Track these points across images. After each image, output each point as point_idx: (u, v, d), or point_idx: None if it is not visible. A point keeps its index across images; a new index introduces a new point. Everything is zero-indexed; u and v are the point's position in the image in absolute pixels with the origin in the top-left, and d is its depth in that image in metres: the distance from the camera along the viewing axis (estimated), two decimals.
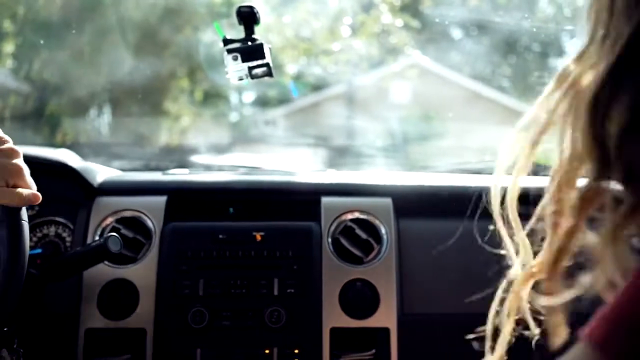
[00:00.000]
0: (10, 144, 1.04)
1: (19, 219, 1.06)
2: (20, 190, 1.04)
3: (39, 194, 1.07)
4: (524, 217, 0.87)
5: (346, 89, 10.20)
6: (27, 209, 1.41)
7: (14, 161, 1.03)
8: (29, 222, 1.15)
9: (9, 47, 11.74)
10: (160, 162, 2.01)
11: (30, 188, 1.06)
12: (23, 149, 1.37)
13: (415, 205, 1.67)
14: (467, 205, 1.70)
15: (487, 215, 1.58)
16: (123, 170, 1.82)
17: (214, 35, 1.46)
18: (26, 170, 1.05)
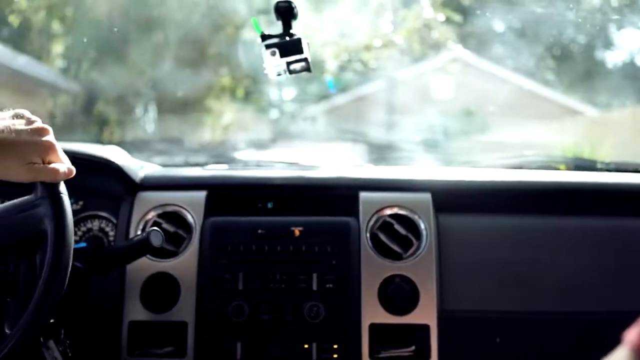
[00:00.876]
0: (39, 123, 1.06)
1: (59, 193, 1.07)
2: (55, 165, 1.06)
3: (73, 167, 1.09)
4: None
5: (387, 84, 10.14)
6: (72, 203, 1.44)
7: (46, 138, 1.04)
8: (74, 217, 1.17)
9: (59, 48, 12.01)
10: (200, 158, 2.03)
11: (63, 163, 1.07)
12: (70, 146, 1.40)
13: (455, 200, 1.65)
14: (508, 200, 1.68)
15: (530, 211, 1.56)
16: (164, 166, 1.84)
17: (255, 32, 1.47)
18: (58, 146, 1.06)
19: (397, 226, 1.59)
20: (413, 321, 1.52)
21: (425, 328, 1.52)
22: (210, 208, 1.62)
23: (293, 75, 1.47)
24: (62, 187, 1.07)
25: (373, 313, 1.52)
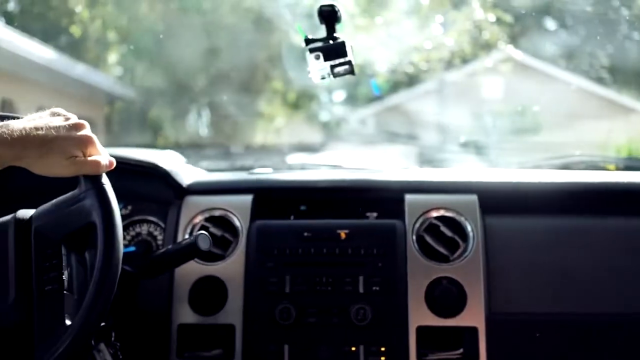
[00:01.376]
0: (75, 119, 1.07)
1: (103, 184, 1.08)
2: (96, 157, 1.07)
3: (113, 159, 1.10)
4: None
5: (437, 85, 10.04)
6: (121, 208, 1.46)
7: (84, 132, 1.06)
8: (123, 221, 1.19)
9: (115, 56, 12.30)
10: (250, 162, 2.04)
11: (103, 155, 1.09)
12: (119, 151, 1.42)
13: (501, 202, 1.62)
14: (555, 201, 1.63)
15: (578, 212, 1.51)
16: (210, 170, 1.85)
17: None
18: (96, 140, 1.08)
19: (443, 228, 1.56)
20: (461, 324, 1.50)
21: (474, 331, 1.49)
22: (257, 211, 1.62)
23: (343, 77, 1.47)
24: (105, 179, 1.09)
25: (420, 315, 1.50)
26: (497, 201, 1.61)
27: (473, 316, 1.50)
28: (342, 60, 1.45)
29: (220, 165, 2.01)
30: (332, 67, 1.45)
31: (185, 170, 1.72)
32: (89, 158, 1.06)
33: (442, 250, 1.55)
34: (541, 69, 10.67)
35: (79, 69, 11.39)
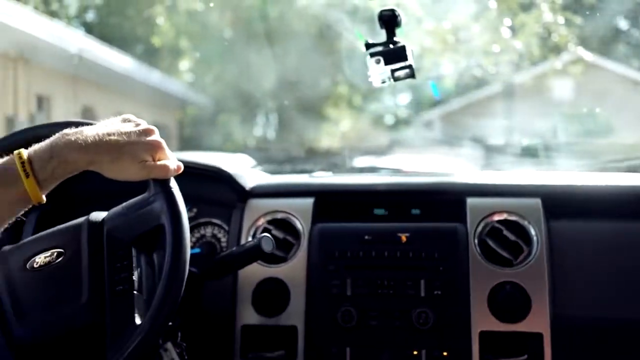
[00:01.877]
0: (145, 124, 1.10)
1: (171, 188, 1.11)
2: (165, 162, 1.09)
3: (181, 164, 1.13)
4: None
5: (504, 88, 9.85)
6: (187, 211, 1.48)
7: (153, 137, 1.08)
8: (189, 223, 1.20)
9: (186, 64, 12.60)
10: (314, 165, 2.04)
11: (171, 159, 1.11)
12: (186, 156, 1.44)
13: (566, 205, 1.57)
14: (622, 205, 1.57)
15: None
16: (273, 173, 1.86)
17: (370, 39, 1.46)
18: (164, 144, 1.10)
19: (506, 232, 1.52)
20: (525, 329, 1.46)
21: (538, 337, 1.45)
22: (318, 214, 1.62)
23: (409, 81, 1.45)
24: (173, 182, 1.11)
25: (483, 320, 1.47)
26: (562, 205, 1.56)
27: (538, 322, 1.45)
28: (402, 64, 1.44)
29: (285, 168, 2.01)
30: (393, 71, 1.44)
31: (248, 174, 1.73)
32: (158, 162, 1.08)
33: (505, 254, 1.51)
34: (612, 70, 10.33)
35: (153, 77, 11.71)
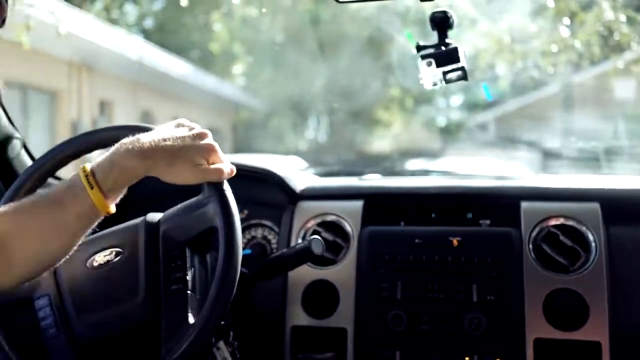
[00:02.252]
0: (199, 128, 1.11)
1: (224, 191, 1.12)
2: (219, 165, 1.10)
3: (234, 167, 1.14)
4: None
5: (563, 88, 9.61)
6: (239, 213, 1.49)
7: (207, 141, 1.10)
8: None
9: (240, 68, 12.75)
10: (366, 168, 2.02)
11: (225, 162, 1.12)
12: (237, 158, 1.45)
13: (626, 210, 1.50)
14: None
15: None
16: (323, 175, 1.85)
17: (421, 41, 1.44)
18: (218, 148, 1.11)
19: (562, 237, 1.47)
20: (582, 338, 1.41)
21: (596, 345, 1.40)
22: (367, 217, 1.60)
23: (461, 82, 1.43)
24: (226, 185, 1.12)
25: (538, 327, 1.43)
26: (622, 210, 1.50)
27: (596, 330, 1.40)
28: (454, 66, 1.41)
29: (336, 171, 2.00)
30: (445, 73, 1.41)
31: (298, 176, 1.73)
32: (212, 166, 1.09)
33: (561, 260, 1.46)
34: None
35: (208, 81, 11.89)
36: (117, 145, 1.05)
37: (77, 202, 1.02)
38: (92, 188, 1.02)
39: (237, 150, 12.54)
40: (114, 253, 1.16)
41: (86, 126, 8.86)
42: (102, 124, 9.59)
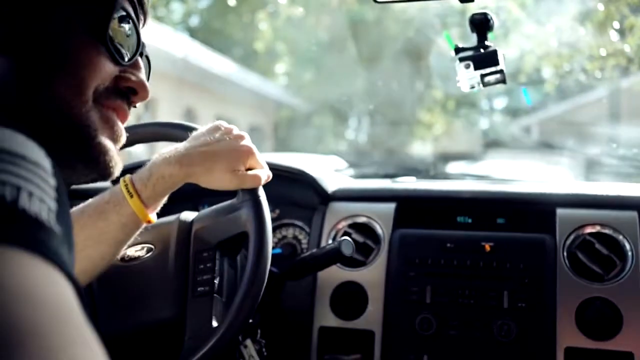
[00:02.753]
0: (236, 130, 1.11)
1: (259, 197, 1.12)
2: (257, 172, 1.11)
3: (270, 173, 1.14)
4: None
5: (610, 92, 9.37)
6: (270, 212, 1.49)
7: (244, 143, 1.10)
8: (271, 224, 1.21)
9: (282, 66, 12.81)
10: (404, 169, 2.00)
11: (262, 167, 1.12)
12: (271, 158, 1.45)
13: None
14: None
15: None
16: (355, 177, 1.84)
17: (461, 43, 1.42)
18: (256, 150, 1.11)
19: (598, 246, 1.44)
20: (615, 348, 1.37)
21: (629, 356, 1.36)
22: (399, 220, 1.59)
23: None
24: (261, 191, 1.12)
25: (569, 336, 1.39)
26: None
27: (630, 341, 1.36)
28: (493, 69, 1.39)
29: (373, 171, 1.98)
30: (483, 75, 1.39)
31: (330, 177, 1.72)
32: (250, 172, 1.10)
33: (596, 269, 1.43)
34: None
35: (251, 79, 11.97)
36: (156, 154, 1.08)
37: (118, 212, 1.04)
38: (131, 197, 1.05)
39: (278, 148, 12.60)
40: (145, 249, 1.18)
41: (131, 122, 9.01)
42: (146, 120, 9.75)
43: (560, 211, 1.50)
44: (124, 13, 0.75)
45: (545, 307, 1.42)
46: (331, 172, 1.76)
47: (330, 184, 1.67)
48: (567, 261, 1.44)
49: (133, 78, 0.78)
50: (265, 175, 1.12)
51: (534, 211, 1.55)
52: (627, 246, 1.42)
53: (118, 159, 0.77)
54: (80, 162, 0.73)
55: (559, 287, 1.42)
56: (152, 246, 1.18)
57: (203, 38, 11.42)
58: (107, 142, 0.74)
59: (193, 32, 12.35)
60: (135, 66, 0.80)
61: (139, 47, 0.79)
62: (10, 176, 0.47)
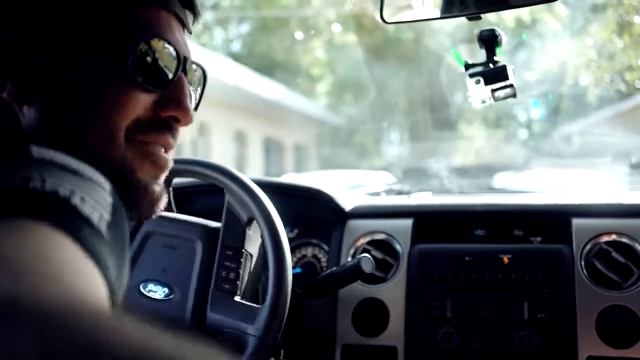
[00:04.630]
0: None
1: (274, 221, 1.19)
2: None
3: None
4: None
5: None
6: (288, 232, 1.53)
7: None
8: (290, 244, 1.25)
9: (323, 86, 12.94)
10: (453, 183, 2.01)
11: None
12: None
13: None
14: None
15: None
16: (372, 194, 1.86)
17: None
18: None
19: (615, 254, 1.43)
20: (637, 355, 1.36)
21: None
22: (417, 235, 1.60)
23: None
24: (275, 214, 1.20)
25: (590, 345, 1.38)
26: None
27: None
28: (503, 84, 1.40)
29: (417, 186, 1.97)
30: (493, 91, 1.41)
31: (348, 195, 1.74)
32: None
33: (614, 277, 1.42)
34: None
35: (294, 100, 12.12)
36: None
37: None
38: None
39: (322, 166, 12.66)
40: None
41: (186, 146, 9.27)
42: (201, 144, 10.07)
43: (575, 221, 1.49)
44: (154, 37, 0.70)
45: (566, 317, 1.41)
46: (347, 190, 1.78)
47: (347, 202, 1.69)
48: (584, 270, 1.44)
49: (173, 105, 0.72)
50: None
51: (550, 222, 1.54)
52: None
53: (160, 192, 0.74)
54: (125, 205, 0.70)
55: (578, 296, 1.42)
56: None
57: (246, 62, 11.61)
58: (147, 178, 0.72)
59: (236, 57, 12.57)
60: (177, 87, 0.73)
61: (179, 65, 0.72)
62: (65, 183, 0.48)
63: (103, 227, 0.48)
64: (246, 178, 1.21)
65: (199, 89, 0.84)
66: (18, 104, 0.66)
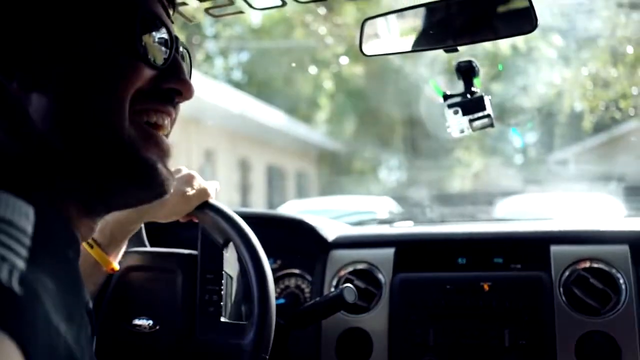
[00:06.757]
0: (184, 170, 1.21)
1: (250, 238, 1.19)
2: (204, 186, 1.19)
3: (217, 183, 1.24)
4: None
5: None
6: (272, 263, 1.53)
7: (184, 172, 1.21)
8: (273, 274, 1.25)
9: (323, 115, 13.02)
10: (451, 210, 2.02)
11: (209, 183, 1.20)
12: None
13: None
14: None
15: None
16: (353, 224, 1.86)
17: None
18: (196, 174, 1.20)
19: (592, 280, 1.43)
20: None
21: None
22: (399, 264, 1.60)
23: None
24: (256, 241, 1.19)
25: None
26: None
27: None
28: (480, 114, 1.42)
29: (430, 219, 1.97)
30: (471, 120, 1.42)
31: (329, 225, 1.75)
32: (197, 188, 1.18)
33: (592, 303, 1.42)
34: None
35: (296, 128, 12.20)
36: None
37: (82, 264, 1.09)
38: (92, 247, 1.09)
39: (323, 192, 12.68)
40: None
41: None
42: (207, 170, 10.16)
43: (554, 248, 1.50)
44: (150, 16, 0.72)
45: (546, 343, 1.42)
46: (328, 221, 1.79)
47: (330, 232, 1.69)
48: (563, 297, 1.44)
49: (173, 78, 0.74)
50: (214, 188, 1.19)
51: (529, 249, 1.55)
52: (621, 280, 1.42)
53: (168, 174, 0.74)
54: (131, 184, 0.71)
55: (557, 323, 1.42)
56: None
57: (246, 90, 11.72)
58: (153, 157, 0.72)
59: (236, 85, 12.67)
60: (175, 66, 0.75)
61: (173, 44, 0.75)
62: None
63: (14, 281, 0.48)
64: (217, 202, 1.22)
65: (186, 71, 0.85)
66: (28, 93, 0.66)
